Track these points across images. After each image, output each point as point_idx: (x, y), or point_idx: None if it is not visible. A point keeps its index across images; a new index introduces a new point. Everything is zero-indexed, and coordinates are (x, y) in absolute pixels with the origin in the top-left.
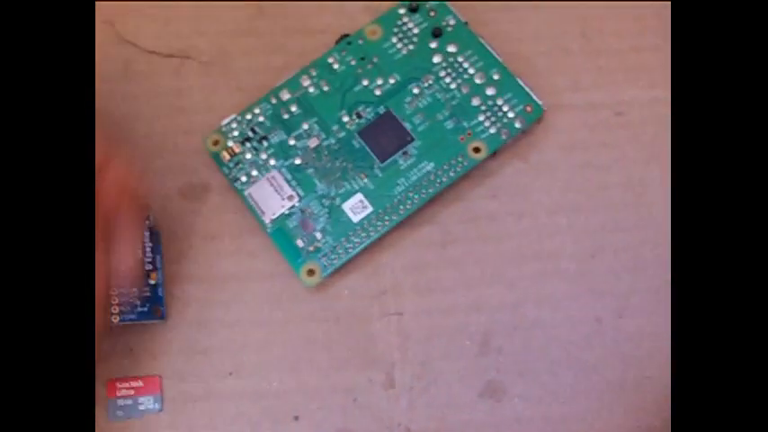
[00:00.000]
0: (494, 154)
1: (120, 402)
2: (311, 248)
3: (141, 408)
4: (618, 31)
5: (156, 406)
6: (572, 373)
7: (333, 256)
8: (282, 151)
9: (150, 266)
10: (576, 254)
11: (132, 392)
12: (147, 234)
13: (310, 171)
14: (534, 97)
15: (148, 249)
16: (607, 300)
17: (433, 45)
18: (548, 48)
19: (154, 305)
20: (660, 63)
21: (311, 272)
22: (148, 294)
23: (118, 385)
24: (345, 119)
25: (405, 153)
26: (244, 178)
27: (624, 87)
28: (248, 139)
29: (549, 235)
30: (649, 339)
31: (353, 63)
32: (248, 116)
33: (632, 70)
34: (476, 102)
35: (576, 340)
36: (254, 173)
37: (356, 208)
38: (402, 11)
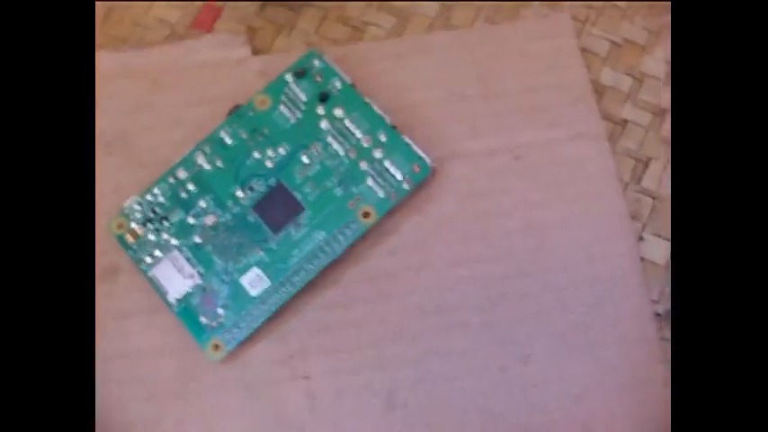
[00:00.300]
0: (386, 215)
1: None
2: (214, 324)
3: None
4: (514, 73)
5: None
6: (478, 422)
7: (235, 330)
8: (182, 230)
9: None
10: (478, 304)
11: None
12: None
13: (209, 248)
14: (422, 155)
15: None
16: (510, 348)
17: (320, 111)
18: (443, 95)
19: None
20: (558, 102)
21: (216, 347)
22: None
23: None
24: (239, 193)
25: (297, 224)
26: (148, 259)
27: (522, 130)
28: (150, 220)
29: (450, 288)
30: (555, 384)
31: (245, 136)
32: (149, 197)
33: (530, 111)
34: (363, 166)
35: (482, 390)
36: (157, 253)
37: (254, 282)
38: (289, 77)
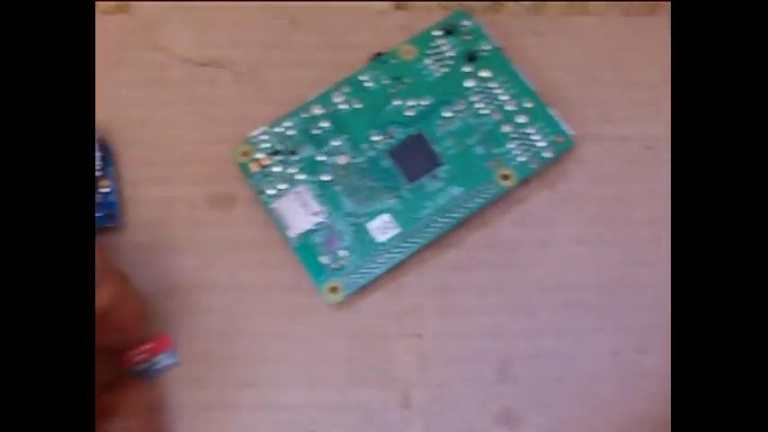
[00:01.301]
0: (522, 182)
1: (136, 369)
2: (335, 266)
3: (158, 367)
4: (650, 65)
5: (173, 359)
6: (588, 406)
7: (356, 275)
8: (311, 166)
9: (101, 173)
10: (598, 286)
11: (146, 356)
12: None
13: (338, 188)
14: (565, 128)
15: (99, 160)
16: (626, 334)
17: (467, 69)
18: (579, 77)
19: (108, 211)
20: None
21: (334, 289)
22: (101, 201)
23: (129, 353)
24: (375, 138)
25: (433, 176)
26: (271, 191)
27: (654, 122)
28: (277, 152)
29: (572, 266)
30: (668, 377)
31: (386, 82)
32: (278, 129)
33: (663, 105)
34: (506, 129)
35: (594, 373)
36: (282, 186)
37: (382, 228)
38: (438, 33)
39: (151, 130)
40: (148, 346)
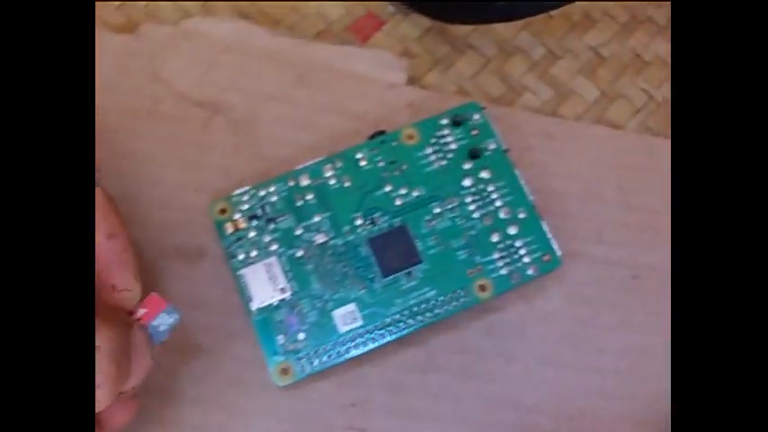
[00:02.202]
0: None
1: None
2: (291, 347)
3: (162, 329)
4: (654, 189)
5: (174, 316)
6: None
7: (310, 361)
8: (287, 239)
9: None
10: (555, 412)
11: (144, 321)
12: None
13: (309, 267)
14: (555, 247)
15: None
16: None
17: (467, 166)
18: (581, 190)
19: None
20: None
21: (285, 371)
22: None
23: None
24: (359, 222)
25: (409, 274)
26: (241, 256)
27: (647, 250)
28: (256, 217)
29: (533, 386)
30: None
31: (381, 165)
32: (262, 192)
33: (660, 234)
34: (495, 238)
35: None
36: (253, 253)
37: (346, 318)
38: (445, 121)
39: (132, 164)
40: (143, 311)
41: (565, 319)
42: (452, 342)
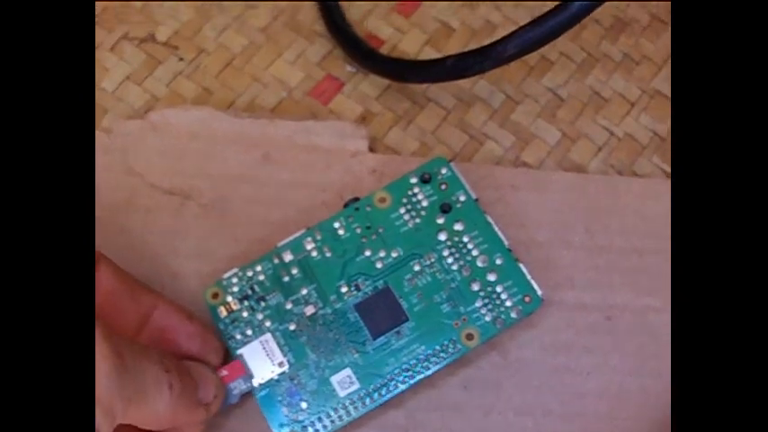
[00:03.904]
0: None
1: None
2: (295, 417)
3: (236, 392)
4: (623, 230)
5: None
6: None
7: (316, 428)
8: (278, 314)
9: None
10: None
11: (224, 381)
12: None
13: (303, 339)
14: (535, 287)
15: None
16: None
17: (440, 221)
18: (548, 238)
19: None
20: (660, 270)
21: None
22: None
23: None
24: (344, 289)
25: (398, 333)
26: (238, 336)
27: (619, 290)
28: (246, 297)
29: None
30: None
31: (359, 231)
32: (249, 273)
33: (630, 273)
34: (475, 287)
35: None
36: (249, 332)
37: (344, 382)
38: (414, 180)
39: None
40: (224, 372)
41: (541, 367)
42: (430, 399)
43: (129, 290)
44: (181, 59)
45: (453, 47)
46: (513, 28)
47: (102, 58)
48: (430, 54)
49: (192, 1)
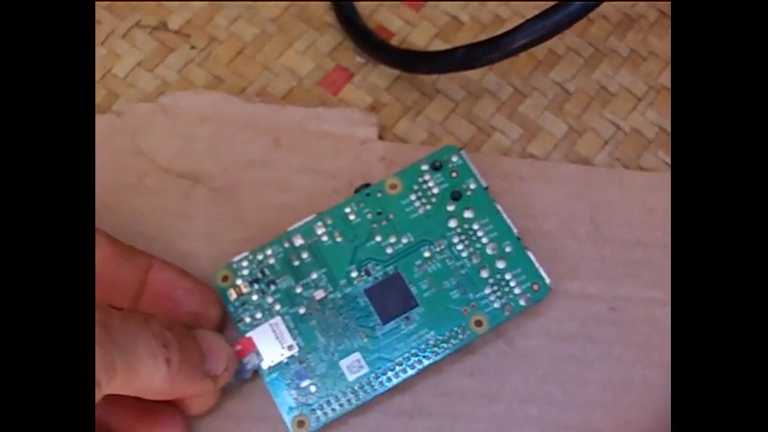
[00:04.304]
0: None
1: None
2: (304, 400)
3: (249, 367)
4: (628, 222)
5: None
6: None
7: (324, 411)
8: (288, 298)
9: None
10: None
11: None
12: None
13: (313, 323)
14: (543, 275)
15: None
16: None
17: (451, 208)
18: (554, 228)
19: None
20: (664, 262)
21: (301, 423)
22: None
23: None
24: (354, 274)
25: (407, 318)
26: (247, 319)
27: (623, 282)
28: (257, 281)
29: (518, 425)
30: None
31: (370, 217)
32: (260, 256)
33: (635, 265)
34: (484, 274)
35: None
36: (258, 315)
37: (353, 366)
38: (425, 167)
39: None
40: (237, 347)
41: (545, 357)
42: (436, 385)
43: (125, 254)
44: (192, 47)
45: (462, 40)
46: None
47: (114, 45)
48: (439, 47)
49: None
